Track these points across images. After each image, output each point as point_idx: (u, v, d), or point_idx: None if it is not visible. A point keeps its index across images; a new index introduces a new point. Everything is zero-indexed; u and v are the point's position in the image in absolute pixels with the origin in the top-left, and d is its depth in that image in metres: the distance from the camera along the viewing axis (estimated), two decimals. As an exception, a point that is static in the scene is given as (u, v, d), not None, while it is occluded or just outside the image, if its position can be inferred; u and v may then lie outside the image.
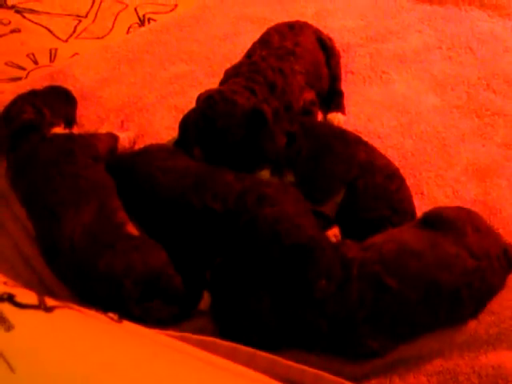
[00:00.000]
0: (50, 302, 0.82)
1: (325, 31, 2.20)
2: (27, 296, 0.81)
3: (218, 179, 1.71)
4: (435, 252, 1.54)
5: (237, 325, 1.54)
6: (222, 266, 1.62)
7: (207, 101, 1.82)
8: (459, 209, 1.72)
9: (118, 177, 1.79)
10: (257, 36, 2.13)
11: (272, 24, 2.19)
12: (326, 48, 2.12)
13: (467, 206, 1.87)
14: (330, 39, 2.17)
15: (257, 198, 1.64)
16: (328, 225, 1.72)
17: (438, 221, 1.62)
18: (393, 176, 1.81)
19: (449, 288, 1.53)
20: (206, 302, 1.64)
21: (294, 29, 2.08)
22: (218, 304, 1.60)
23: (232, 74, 1.99)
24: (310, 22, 2.21)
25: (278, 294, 1.51)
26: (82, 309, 0.87)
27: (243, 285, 1.56)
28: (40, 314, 0.80)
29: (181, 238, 1.70)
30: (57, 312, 0.81)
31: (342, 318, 1.50)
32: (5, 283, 0.88)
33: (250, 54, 2.04)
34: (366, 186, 1.76)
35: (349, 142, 1.85)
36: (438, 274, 1.52)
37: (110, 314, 0.91)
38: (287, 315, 1.51)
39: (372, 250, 1.56)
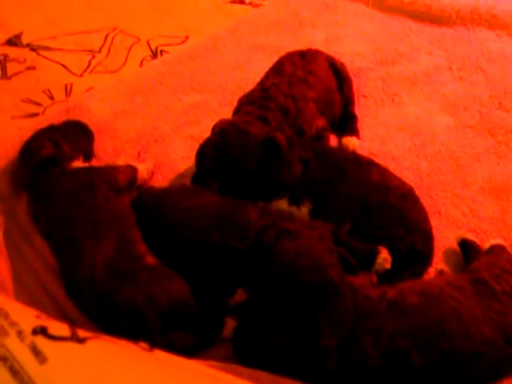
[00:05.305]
0: (82, 333, 0.83)
1: (335, 57, 2.23)
2: (59, 328, 0.82)
3: (241, 217, 1.70)
4: (472, 337, 1.45)
5: (255, 360, 1.50)
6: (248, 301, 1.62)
7: (220, 134, 1.83)
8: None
9: (140, 217, 1.80)
10: (268, 64, 2.16)
11: (283, 52, 2.22)
12: (339, 74, 2.14)
13: (485, 224, 1.88)
14: (342, 64, 2.19)
15: (276, 234, 1.62)
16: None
17: (488, 288, 1.54)
18: (407, 196, 1.81)
19: (469, 377, 1.47)
20: (228, 329, 1.64)
21: (306, 57, 2.11)
22: (237, 338, 1.59)
23: (245, 101, 2.01)
24: (320, 48, 2.25)
25: (292, 330, 1.48)
26: (114, 339, 0.87)
27: (261, 320, 1.53)
28: (73, 345, 0.81)
29: (202, 271, 1.70)
30: (89, 343, 0.82)
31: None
32: (37, 316, 0.89)
33: (262, 82, 2.06)
34: (379, 204, 1.76)
35: (362, 163, 1.85)
36: (465, 364, 1.45)
37: (141, 344, 0.91)
38: (301, 352, 1.47)
39: (407, 317, 1.48)
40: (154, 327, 1.59)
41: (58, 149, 1.90)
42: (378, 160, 1.92)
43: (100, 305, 1.64)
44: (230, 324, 1.65)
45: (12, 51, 2.65)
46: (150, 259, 1.69)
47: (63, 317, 1.74)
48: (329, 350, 1.45)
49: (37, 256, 1.88)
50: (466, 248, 1.80)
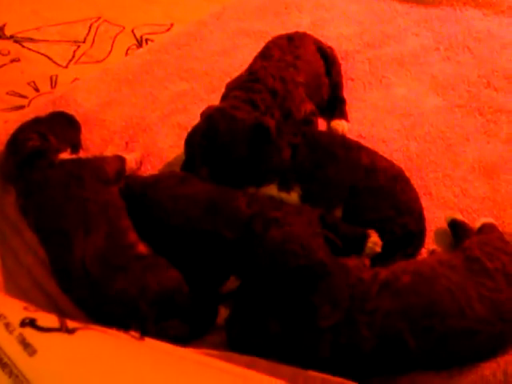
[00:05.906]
0: (71, 323, 0.82)
1: (322, 40, 2.21)
2: (48, 319, 0.81)
3: (230, 205, 1.70)
4: (465, 315, 1.45)
5: (249, 347, 1.50)
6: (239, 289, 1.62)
7: (208, 120, 1.82)
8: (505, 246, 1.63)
9: (129, 206, 1.79)
10: (255, 49, 2.14)
11: (269, 37, 2.21)
12: (327, 57, 2.13)
13: (476, 204, 1.88)
14: (330, 48, 2.18)
15: (264, 222, 1.63)
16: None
17: (480, 265, 1.54)
18: (397, 177, 1.81)
19: (463, 355, 1.48)
20: (222, 317, 1.64)
21: (293, 41, 2.09)
22: (230, 326, 1.59)
23: (232, 86, 1.99)
24: (307, 32, 2.22)
25: (286, 316, 1.48)
26: (104, 329, 0.87)
27: (254, 308, 1.53)
28: (62, 336, 0.80)
29: (194, 259, 1.70)
30: (79, 333, 0.81)
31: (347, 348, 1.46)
32: (25, 308, 0.88)
33: (251, 67, 2.05)
34: (370, 188, 1.76)
35: (351, 147, 1.84)
36: (459, 343, 1.46)
37: (132, 333, 0.91)
38: (295, 338, 1.47)
39: (400, 297, 1.48)
40: (147, 317, 1.59)
41: (44, 141, 1.89)
42: (368, 142, 1.93)
43: (93, 296, 1.64)
44: (224, 312, 1.65)
45: (-5, 44, 2.62)
46: (142, 247, 1.70)
47: (55, 310, 1.74)
48: (323, 334, 1.45)
49: (27, 249, 1.87)
50: (456, 228, 1.80)
